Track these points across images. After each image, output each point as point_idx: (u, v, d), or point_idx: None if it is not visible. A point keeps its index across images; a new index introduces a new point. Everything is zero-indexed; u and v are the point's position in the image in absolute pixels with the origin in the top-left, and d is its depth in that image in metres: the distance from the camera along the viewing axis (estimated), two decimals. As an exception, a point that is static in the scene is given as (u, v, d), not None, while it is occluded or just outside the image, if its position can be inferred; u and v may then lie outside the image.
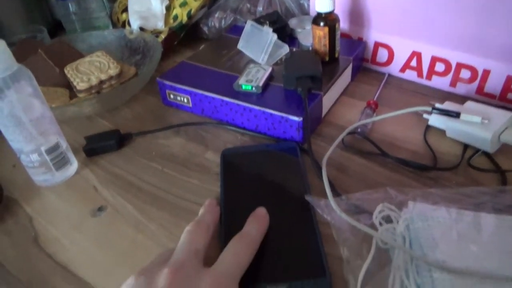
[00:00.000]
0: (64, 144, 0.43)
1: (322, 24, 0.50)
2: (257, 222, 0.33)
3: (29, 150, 0.40)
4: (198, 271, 0.28)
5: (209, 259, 0.30)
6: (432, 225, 0.31)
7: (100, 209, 0.40)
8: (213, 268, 0.28)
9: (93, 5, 0.74)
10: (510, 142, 0.39)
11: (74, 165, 0.45)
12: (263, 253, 0.32)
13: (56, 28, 0.82)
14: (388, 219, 0.34)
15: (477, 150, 0.42)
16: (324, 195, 0.35)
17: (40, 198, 0.42)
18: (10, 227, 0.39)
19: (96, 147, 0.47)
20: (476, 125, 0.41)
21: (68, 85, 0.57)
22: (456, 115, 0.41)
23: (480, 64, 0.47)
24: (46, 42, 0.67)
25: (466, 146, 0.42)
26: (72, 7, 0.73)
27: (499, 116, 0.41)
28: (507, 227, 0.31)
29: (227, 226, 0.35)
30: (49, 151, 0.41)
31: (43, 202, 0.41)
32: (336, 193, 0.38)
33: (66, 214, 0.40)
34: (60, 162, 0.42)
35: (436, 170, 0.40)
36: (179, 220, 0.38)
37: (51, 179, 0.43)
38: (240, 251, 0.30)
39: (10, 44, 0.45)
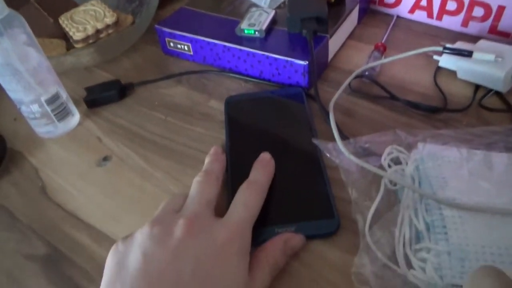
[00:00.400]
0: (64, 95, 0.42)
1: (327, -39, 0.47)
2: (262, 168, 0.33)
3: (29, 101, 0.39)
4: (211, 221, 0.28)
5: (217, 207, 0.30)
6: (442, 164, 0.31)
7: (105, 158, 0.39)
8: (225, 218, 0.28)
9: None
10: (524, 81, 0.38)
11: (76, 116, 0.44)
12: (271, 197, 0.32)
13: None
14: (397, 161, 0.33)
15: (489, 91, 0.40)
16: (332, 140, 0.35)
17: (44, 149, 0.41)
18: (16, 178, 0.39)
19: (97, 97, 0.46)
20: (489, 64, 0.39)
21: (64, 36, 0.55)
22: (468, 54, 0.40)
23: (494, 0, 0.45)
24: (38, -8, 0.64)
25: (477, 87, 0.41)
26: (61, -46, 0.69)
27: (513, 54, 0.39)
28: (519, 165, 0.31)
29: (234, 173, 0.35)
30: (50, 101, 0.40)
31: (47, 153, 0.41)
32: (344, 136, 0.37)
33: (72, 164, 0.39)
34: (62, 113, 0.42)
35: (446, 111, 0.39)
36: (185, 167, 0.37)
37: (54, 131, 0.42)
38: (249, 199, 0.30)
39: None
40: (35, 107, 0.40)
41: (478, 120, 0.38)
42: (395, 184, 0.32)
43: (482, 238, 0.26)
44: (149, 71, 0.50)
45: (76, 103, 0.45)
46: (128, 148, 0.40)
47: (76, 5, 0.58)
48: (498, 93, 0.40)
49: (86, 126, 0.43)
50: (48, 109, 0.40)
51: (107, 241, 0.32)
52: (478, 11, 0.47)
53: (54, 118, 0.41)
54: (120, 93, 0.46)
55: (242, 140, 0.38)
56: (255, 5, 0.51)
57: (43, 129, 0.42)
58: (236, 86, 0.46)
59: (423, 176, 0.31)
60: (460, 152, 0.32)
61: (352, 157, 0.32)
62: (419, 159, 0.32)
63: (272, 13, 0.48)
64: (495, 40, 0.45)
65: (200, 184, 0.31)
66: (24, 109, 0.40)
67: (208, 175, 0.32)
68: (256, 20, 0.46)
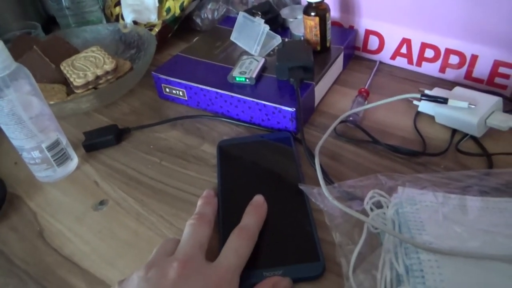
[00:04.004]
0: (64, 140, 0.44)
1: (312, 14, 0.50)
2: (254, 213, 0.35)
3: (30, 148, 0.41)
4: (203, 265, 0.30)
5: (209, 248, 0.32)
6: (420, 208, 0.33)
7: (102, 203, 0.41)
8: (216, 263, 0.30)
9: (86, -1, 0.74)
10: (496, 126, 0.41)
11: (74, 161, 0.46)
12: (260, 240, 0.33)
13: (50, 23, 0.82)
14: (378, 205, 0.35)
15: (465, 135, 0.43)
16: (318, 183, 0.37)
17: (43, 193, 0.43)
18: (15, 222, 0.40)
19: (95, 142, 0.48)
20: (463, 110, 0.42)
21: (65, 81, 0.57)
22: (444, 101, 0.42)
23: (468, 50, 0.48)
24: (41, 38, 0.68)
25: (454, 131, 0.44)
26: (65, 2, 0.73)
27: (485, 100, 0.42)
28: (491, 209, 0.33)
29: (225, 216, 0.36)
30: (50, 147, 0.42)
31: (46, 197, 0.43)
32: (328, 180, 0.39)
33: (69, 208, 0.41)
34: (61, 158, 0.44)
35: (425, 155, 0.41)
36: (178, 211, 0.39)
37: (53, 175, 0.44)
38: (240, 246, 0.31)
39: (4, 41, 0.46)
40: (36, 153, 0.42)
41: (455, 164, 0.40)
42: (377, 228, 0.34)
43: (457, 282, 0.28)
44: (145, 115, 0.53)
45: (75, 147, 0.47)
46: (124, 192, 0.42)
47: (77, 51, 0.61)
48: (473, 137, 0.43)
49: (84, 170, 0.45)
50: (49, 155, 0.42)
51: (102, 286, 0.33)
52: (454, 59, 0.50)
53: (53, 163, 0.43)
54: (117, 138, 0.48)
55: (233, 184, 0.40)
56: (246, 52, 0.55)
57: (42, 173, 0.44)
58: (228, 130, 0.48)
59: (402, 220, 0.33)
60: (436, 197, 0.34)
61: (336, 202, 0.34)
62: (398, 203, 0.34)
63: (262, 61, 0.51)
64: (471, 86, 0.49)
65: (193, 227, 0.33)
66: (25, 155, 0.42)
67: (201, 218, 0.34)
68: (247, 68, 0.49)
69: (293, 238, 0.34)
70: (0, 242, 0.38)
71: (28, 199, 0.43)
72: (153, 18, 0.66)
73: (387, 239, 0.32)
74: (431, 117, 0.45)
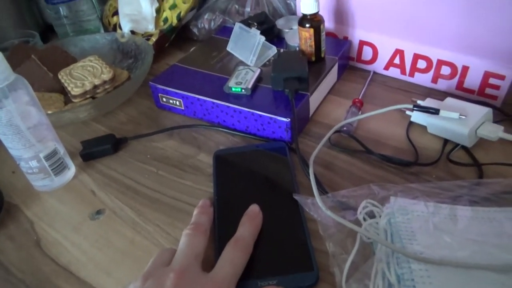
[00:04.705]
0: (61, 150, 0.45)
1: (307, 25, 0.51)
2: (250, 224, 0.35)
3: (28, 157, 0.42)
4: (200, 275, 0.30)
5: (204, 258, 0.33)
6: (411, 218, 0.34)
7: (99, 212, 0.41)
8: (212, 273, 0.31)
9: (84, 8, 0.75)
10: (486, 137, 0.42)
11: (72, 170, 0.46)
12: (254, 250, 0.34)
13: (48, 32, 0.83)
14: (371, 214, 0.36)
15: (456, 145, 0.44)
16: (312, 192, 0.37)
17: (40, 203, 0.43)
18: (12, 232, 0.41)
19: (92, 151, 0.48)
20: (454, 121, 0.43)
21: (63, 90, 0.58)
22: (436, 111, 0.43)
23: (459, 61, 0.49)
24: (39, 47, 0.68)
25: (446, 141, 0.44)
26: (63, 11, 0.74)
27: (476, 111, 0.43)
28: (480, 219, 0.33)
29: (221, 226, 0.37)
30: (48, 157, 0.43)
31: (43, 206, 0.43)
32: (322, 190, 0.40)
33: (66, 217, 0.41)
34: (59, 168, 0.44)
35: (417, 165, 0.42)
36: (174, 221, 0.39)
37: (50, 184, 0.44)
38: (236, 256, 0.32)
39: (2, 49, 0.46)
40: (33, 163, 0.42)
41: (447, 173, 0.41)
42: (369, 237, 0.34)
43: (447, 291, 0.28)
44: (142, 124, 0.53)
45: (72, 156, 0.47)
46: (120, 201, 0.42)
47: (75, 60, 0.62)
48: (465, 147, 0.43)
49: (81, 179, 0.46)
50: (46, 164, 0.43)
51: (99, 295, 0.34)
52: (446, 70, 0.51)
53: (51, 172, 0.43)
54: (114, 147, 0.49)
55: (229, 193, 0.40)
56: (242, 62, 0.56)
57: (40, 183, 0.44)
58: (224, 140, 0.49)
59: (394, 230, 0.33)
60: (427, 206, 0.34)
61: (329, 213, 0.35)
62: (390, 213, 0.35)
63: (258, 71, 0.52)
64: (463, 96, 0.50)
65: (189, 237, 0.33)
66: (23, 164, 0.42)
67: (197, 228, 0.35)
68: (243, 79, 0.50)
69: (287, 248, 0.34)
70: (-3, 251, 0.39)
71: (25, 208, 0.43)
72: (151, 28, 0.66)
73: (379, 248, 0.33)
74: (424, 127, 0.46)
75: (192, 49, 0.62)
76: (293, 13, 0.67)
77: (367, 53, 0.57)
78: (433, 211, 0.34)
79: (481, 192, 0.37)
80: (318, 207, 0.36)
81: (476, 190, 0.37)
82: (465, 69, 0.49)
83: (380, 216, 0.36)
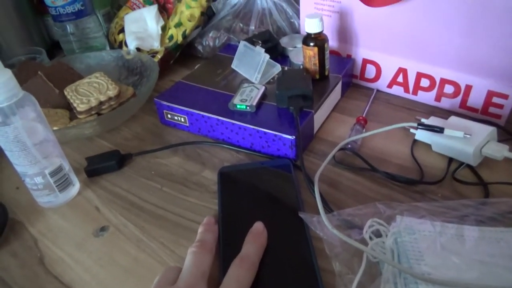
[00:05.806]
0: (66, 166, 0.45)
1: (311, 44, 0.52)
2: (254, 242, 0.35)
3: (33, 173, 0.42)
4: None
5: (209, 276, 0.32)
6: (418, 238, 0.33)
7: (103, 229, 0.41)
8: None
9: (91, 25, 0.76)
10: (491, 156, 0.42)
11: (76, 186, 0.46)
12: (260, 269, 0.33)
13: (54, 48, 0.84)
14: (377, 233, 0.36)
15: (461, 164, 0.44)
16: (317, 210, 0.37)
17: (44, 219, 0.43)
18: (16, 248, 0.40)
19: (97, 167, 0.48)
20: (459, 140, 0.43)
21: (68, 106, 0.58)
22: (440, 130, 0.44)
23: (462, 80, 0.50)
24: (46, 63, 0.69)
25: (451, 160, 0.44)
26: (70, 28, 0.75)
27: (480, 130, 0.43)
28: (488, 239, 0.33)
29: (226, 243, 0.37)
30: (53, 173, 0.43)
31: (47, 223, 0.43)
32: (328, 208, 0.40)
33: (70, 234, 0.41)
34: (63, 184, 0.44)
35: (422, 184, 0.42)
36: (179, 238, 0.39)
37: (55, 201, 0.44)
38: (241, 275, 0.32)
39: (9, 66, 0.46)
40: (38, 179, 0.42)
41: (452, 192, 0.41)
42: (376, 257, 0.34)
43: (456, 313, 0.28)
44: (147, 141, 0.54)
45: (77, 172, 0.47)
46: (125, 218, 0.42)
47: (81, 77, 0.62)
48: (470, 166, 0.43)
49: (85, 196, 0.46)
50: (51, 180, 0.43)
51: (102, 314, 0.33)
52: (449, 88, 0.52)
53: (56, 189, 0.43)
54: (119, 163, 0.49)
55: (234, 211, 0.40)
56: (247, 80, 0.56)
57: (44, 199, 0.44)
58: (228, 157, 0.49)
59: (401, 250, 0.33)
60: (434, 226, 0.34)
61: (335, 232, 0.34)
62: (397, 233, 0.34)
63: (262, 89, 0.52)
64: (466, 115, 0.50)
65: (195, 255, 0.33)
66: (28, 181, 0.42)
67: (202, 246, 0.34)
68: (248, 96, 0.51)
69: (293, 267, 0.34)
70: (0, 268, 0.38)
71: (29, 225, 0.43)
72: (156, 45, 0.67)
73: (386, 268, 0.32)
74: (428, 146, 0.46)
75: (197, 66, 0.62)
76: (297, 31, 0.68)
77: (371, 71, 0.58)
78: (440, 231, 0.34)
79: (487, 211, 0.36)
80: (324, 225, 0.35)
81: (482, 209, 0.37)
82: (468, 88, 0.50)
83: (386, 235, 0.35)
